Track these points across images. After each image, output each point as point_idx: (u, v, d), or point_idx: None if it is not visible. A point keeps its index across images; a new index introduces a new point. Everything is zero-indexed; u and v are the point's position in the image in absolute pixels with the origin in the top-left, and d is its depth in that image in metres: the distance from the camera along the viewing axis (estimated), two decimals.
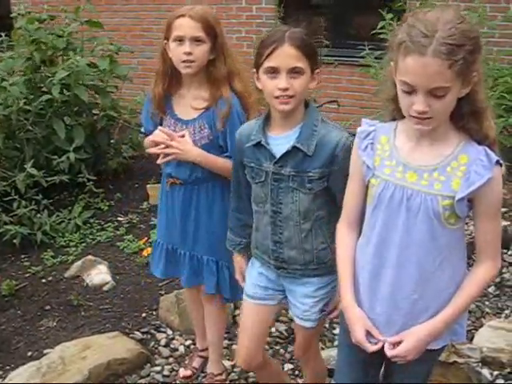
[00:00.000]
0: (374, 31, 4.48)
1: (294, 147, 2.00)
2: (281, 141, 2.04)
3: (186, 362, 2.96)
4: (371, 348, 1.81)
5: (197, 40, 2.32)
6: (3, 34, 5.03)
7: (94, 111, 5.03)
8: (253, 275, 2.27)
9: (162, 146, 2.39)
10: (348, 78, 5.98)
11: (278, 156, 2.02)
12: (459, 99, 1.64)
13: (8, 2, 7.76)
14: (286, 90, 1.92)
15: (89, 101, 4.77)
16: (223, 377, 2.82)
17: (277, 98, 1.95)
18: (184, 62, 2.33)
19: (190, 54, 2.31)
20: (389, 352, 1.78)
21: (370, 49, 4.62)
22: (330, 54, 5.63)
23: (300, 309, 2.18)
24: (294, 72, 1.93)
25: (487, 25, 4.88)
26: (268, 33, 2.02)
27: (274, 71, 1.94)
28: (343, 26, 6.25)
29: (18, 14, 4.73)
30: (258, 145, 2.07)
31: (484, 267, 1.76)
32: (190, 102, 2.43)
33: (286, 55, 1.91)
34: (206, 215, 2.52)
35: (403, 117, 1.75)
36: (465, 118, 1.69)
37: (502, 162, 1.66)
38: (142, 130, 2.69)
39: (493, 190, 1.67)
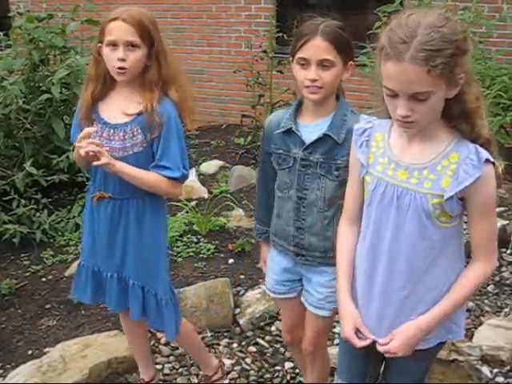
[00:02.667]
0: (370, 31, 4.48)
1: (324, 135, 2.06)
2: (311, 128, 2.11)
3: None
4: (359, 343, 1.84)
5: (131, 45, 2.17)
6: (2, 34, 5.02)
7: None
8: (272, 269, 2.35)
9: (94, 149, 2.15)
10: (347, 77, 5.98)
11: (307, 142, 2.09)
12: (448, 99, 1.64)
13: (7, 2, 7.76)
14: (314, 80, 2.00)
15: None
16: (219, 374, 2.81)
17: (307, 87, 2.02)
18: (118, 68, 2.18)
19: (123, 60, 2.16)
20: (380, 348, 1.81)
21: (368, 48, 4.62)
22: None
23: (315, 297, 2.22)
24: (324, 64, 1.99)
25: (485, 25, 4.91)
26: (303, 24, 2.07)
27: (304, 62, 2.01)
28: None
29: (17, 13, 4.72)
30: (289, 131, 2.13)
31: (478, 266, 1.76)
32: (121, 107, 2.27)
33: (317, 47, 1.98)
34: (135, 234, 2.34)
35: None
36: (455, 118, 1.70)
37: (492, 160, 1.65)
38: (71, 139, 2.45)
39: (483, 189, 1.66)
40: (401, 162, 1.74)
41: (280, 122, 2.16)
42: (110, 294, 2.45)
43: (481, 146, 1.67)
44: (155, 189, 2.29)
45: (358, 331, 1.86)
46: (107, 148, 2.22)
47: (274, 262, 2.33)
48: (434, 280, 1.77)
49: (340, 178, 2.07)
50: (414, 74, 1.53)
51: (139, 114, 2.24)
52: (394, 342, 1.78)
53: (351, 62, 2.06)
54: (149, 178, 2.25)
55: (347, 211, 1.97)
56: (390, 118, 1.82)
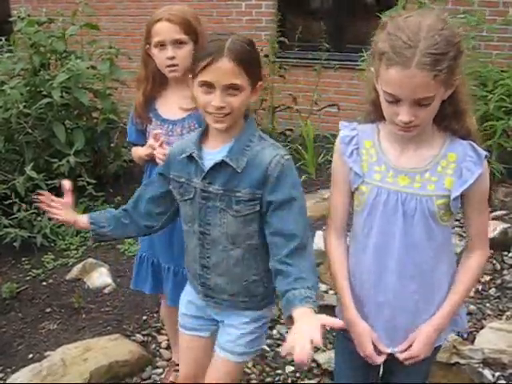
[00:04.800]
0: (372, 36, 4.48)
1: (222, 161, 1.80)
2: (213, 155, 1.84)
3: (163, 377, 2.88)
4: (379, 360, 1.83)
5: (178, 42, 2.28)
6: (3, 39, 5.03)
7: (93, 115, 5.03)
8: (183, 303, 2.13)
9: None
10: (348, 81, 5.99)
11: (206, 170, 1.84)
12: (442, 101, 1.64)
13: (8, 7, 7.78)
14: (221, 108, 1.75)
15: (89, 104, 4.78)
16: None
17: (210, 114, 1.78)
18: (169, 66, 2.30)
19: (173, 58, 2.28)
20: (401, 356, 1.80)
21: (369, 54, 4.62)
22: (330, 57, 5.70)
23: (224, 338, 2.00)
24: (232, 89, 1.74)
25: (486, 28, 4.91)
26: (208, 39, 1.83)
27: (209, 86, 1.75)
28: (343, 30, 6.27)
29: (18, 17, 4.73)
30: (190, 158, 1.88)
31: (476, 256, 1.80)
32: (178, 102, 2.37)
33: (224, 71, 1.72)
34: None
35: (382, 119, 1.74)
36: (447, 118, 1.70)
37: (488, 155, 1.69)
38: (128, 138, 2.62)
39: (482, 184, 1.70)
40: (399, 168, 1.73)
41: (185, 148, 1.90)
42: (166, 286, 2.52)
43: (472, 141, 1.70)
44: None
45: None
46: (166, 141, 2.30)
47: (187, 300, 2.11)
48: (439, 279, 1.78)
49: (242, 214, 1.81)
50: (421, 79, 1.52)
51: (195, 108, 2.14)
52: (415, 346, 1.78)
53: (260, 83, 1.83)
54: None
55: (333, 224, 1.90)
56: (373, 122, 1.81)
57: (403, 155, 1.74)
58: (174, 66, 2.29)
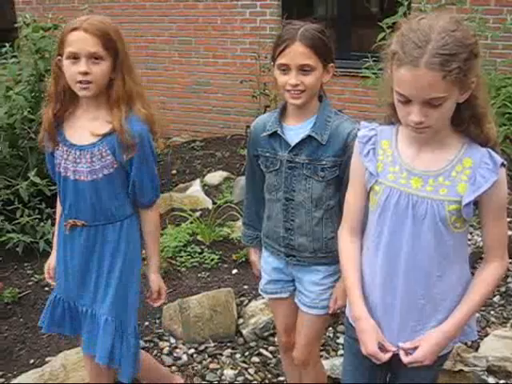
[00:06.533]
0: (375, 44, 4.49)
1: (308, 136, 2.09)
2: (295, 131, 2.13)
3: None
4: (384, 358, 1.80)
5: (94, 57, 2.00)
6: (7, 45, 5.04)
7: None
8: (264, 270, 2.36)
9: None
10: (352, 89, 5.99)
11: (292, 144, 2.11)
12: (459, 104, 1.63)
13: (13, 14, 7.82)
14: (296, 85, 2.02)
15: None
16: None
17: (288, 91, 2.04)
18: (80, 82, 2.02)
19: (86, 73, 2.00)
20: (405, 358, 1.77)
21: (373, 60, 4.62)
22: None
23: (308, 297, 2.23)
24: (304, 69, 2.01)
25: (491, 35, 4.90)
26: (283, 30, 2.08)
27: (285, 67, 2.02)
28: (347, 38, 6.27)
29: (24, 23, 4.74)
30: (274, 134, 2.16)
31: (492, 267, 1.77)
32: (87, 126, 2.11)
33: (296, 53, 1.99)
34: (109, 264, 2.19)
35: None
36: (465, 122, 1.69)
37: (505, 163, 1.66)
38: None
39: (499, 192, 1.67)
40: (414, 170, 1.72)
41: (266, 126, 2.19)
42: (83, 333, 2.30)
43: (490, 149, 1.67)
44: (157, 224, 2.33)
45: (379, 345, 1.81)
46: (73, 169, 2.12)
47: (266, 263, 2.34)
48: (448, 286, 1.76)
49: (326, 179, 2.10)
50: (430, 79, 1.52)
51: (108, 133, 2.09)
52: (419, 350, 1.75)
53: (332, 64, 2.08)
54: (154, 231, 2.32)
55: (348, 221, 1.93)
56: (393, 124, 1.81)
57: (419, 157, 1.73)
58: (86, 82, 2.02)
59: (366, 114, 5.61)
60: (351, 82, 5.90)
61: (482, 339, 2.99)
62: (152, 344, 3.18)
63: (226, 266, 3.85)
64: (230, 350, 3.14)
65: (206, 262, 3.88)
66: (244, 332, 3.22)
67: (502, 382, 2.76)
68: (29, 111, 4.38)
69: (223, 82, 6.96)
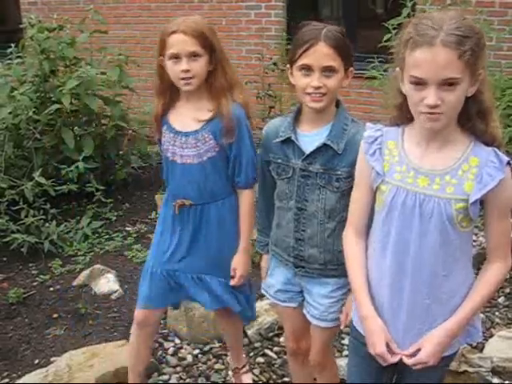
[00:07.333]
0: (380, 44, 4.48)
1: (324, 144, 2.01)
2: (311, 138, 2.05)
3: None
4: (392, 359, 1.80)
5: (193, 55, 2.22)
6: (13, 46, 5.07)
7: (102, 121, 5.05)
8: (272, 277, 2.30)
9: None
10: (357, 90, 5.98)
11: (307, 152, 2.04)
12: (466, 99, 1.64)
13: (19, 16, 7.84)
14: (318, 88, 1.95)
15: (98, 111, 4.79)
16: (247, 367, 2.86)
17: (309, 94, 1.97)
18: (183, 79, 2.24)
19: (188, 71, 2.22)
20: (408, 361, 1.77)
21: (379, 62, 4.62)
22: None
23: (318, 309, 2.17)
24: (328, 71, 1.95)
25: (495, 37, 4.90)
26: (303, 30, 2.01)
27: (308, 68, 1.95)
28: (352, 39, 6.25)
29: (29, 24, 4.76)
30: (287, 141, 2.08)
31: (495, 267, 1.77)
32: (191, 114, 2.34)
33: (321, 54, 1.93)
34: (217, 235, 2.41)
35: (408, 123, 1.76)
36: (472, 119, 1.69)
37: (511, 161, 1.67)
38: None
39: (505, 190, 1.67)
40: (420, 168, 1.72)
41: (278, 131, 2.11)
42: (200, 296, 2.48)
43: (496, 148, 1.68)
44: (252, 206, 2.41)
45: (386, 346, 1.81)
46: (181, 154, 2.34)
47: (274, 272, 2.28)
48: (454, 286, 1.76)
49: (341, 190, 2.03)
50: (446, 57, 1.54)
51: (210, 119, 2.30)
52: (423, 351, 1.75)
53: (351, 69, 2.03)
54: (248, 211, 2.40)
55: (353, 222, 1.93)
56: (398, 125, 1.81)
57: (425, 156, 1.73)
58: (188, 78, 2.24)
59: (370, 115, 5.60)
60: (356, 84, 5.88)
61: (486, 340, 2.99)
62: (157, 344, 3.17)
63: None
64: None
65: None
66: (249, 332, 3.22)
67: (506, 382, 2.75)
68: (34, 111, 4.40)
69: None
